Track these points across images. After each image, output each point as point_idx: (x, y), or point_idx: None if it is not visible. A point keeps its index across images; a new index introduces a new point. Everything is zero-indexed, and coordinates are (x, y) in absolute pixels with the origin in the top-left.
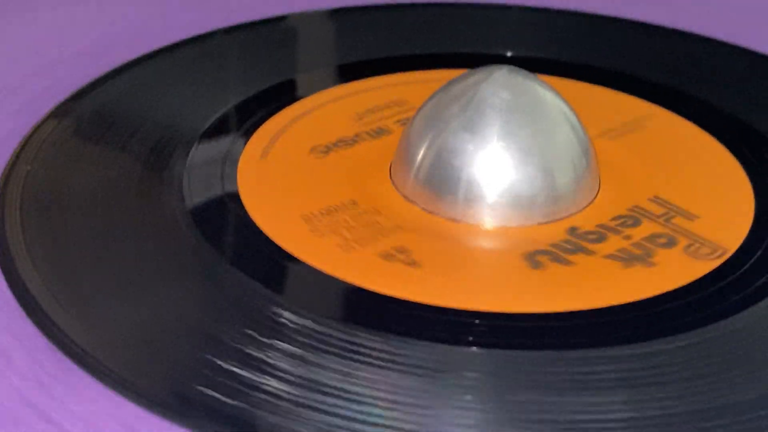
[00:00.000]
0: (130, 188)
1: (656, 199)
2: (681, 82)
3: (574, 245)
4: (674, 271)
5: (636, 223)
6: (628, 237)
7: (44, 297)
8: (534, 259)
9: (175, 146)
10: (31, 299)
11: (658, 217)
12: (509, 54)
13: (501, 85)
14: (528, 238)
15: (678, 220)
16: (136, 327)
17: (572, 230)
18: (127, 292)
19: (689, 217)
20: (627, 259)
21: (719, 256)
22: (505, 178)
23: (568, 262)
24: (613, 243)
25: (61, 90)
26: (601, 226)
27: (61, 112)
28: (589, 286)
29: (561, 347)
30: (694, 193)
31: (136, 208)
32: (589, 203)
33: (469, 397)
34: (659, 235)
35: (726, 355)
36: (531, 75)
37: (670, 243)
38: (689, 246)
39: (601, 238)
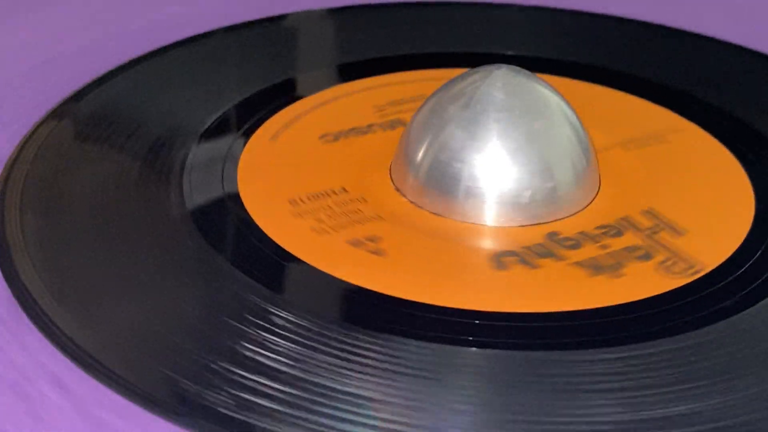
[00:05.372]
0: (130, 188)
1: (649, 211)
2: (682, 81)
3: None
4: (640, 284)
5: (618, 233)
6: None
7: (44, 297)
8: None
9: (175, 146)
10: (30, 299)
11: (644, 230)
12: (509, 53)
13: (501, 85)
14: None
15: (663, 235)
16: (136, 326)
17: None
18: (127, 291)
19: (677, 232)
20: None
21: (693, 274)
22: (504, 177)
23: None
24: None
25: (61, 90)
26: (583, 233)
27: (61, 112)
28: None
29: (555, 347)
30: (691, 201)
31: (136, 208)
32: (590, 202)
33: (461, 397)
34: (637, 248)
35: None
36: (531, 74)
37: (646, 257)
38: (665, 261)
39: (577, 245)
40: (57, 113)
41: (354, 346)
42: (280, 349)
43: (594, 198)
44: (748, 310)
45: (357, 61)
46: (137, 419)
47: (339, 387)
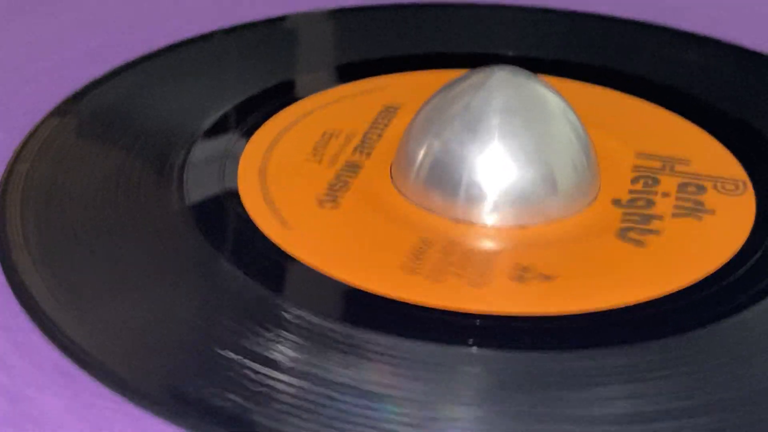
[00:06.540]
0: (130, 188)
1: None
2: (682, 81)
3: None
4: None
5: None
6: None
7: (44, 296)
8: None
9: (175, 146)
10: (30, 298)
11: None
12: (510, 54)
13: (502, 86)
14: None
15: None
16: (136, 326)
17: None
18: (127, 291)
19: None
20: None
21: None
22: (505, 178)
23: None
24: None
25: (61, 89)
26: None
27: (61, 111)
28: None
29: (561, 348)
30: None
31: (136, 207)
32: (591, 203)
33: (467, 398)
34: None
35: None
36: (532, 75)
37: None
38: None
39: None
40: (57, 112)
41: (353, 345)
42: (280, 348)
43: (595, 198)
44: (750, 309)
45: (357, 62)
46: (135, 418)
47: (339, 386)
